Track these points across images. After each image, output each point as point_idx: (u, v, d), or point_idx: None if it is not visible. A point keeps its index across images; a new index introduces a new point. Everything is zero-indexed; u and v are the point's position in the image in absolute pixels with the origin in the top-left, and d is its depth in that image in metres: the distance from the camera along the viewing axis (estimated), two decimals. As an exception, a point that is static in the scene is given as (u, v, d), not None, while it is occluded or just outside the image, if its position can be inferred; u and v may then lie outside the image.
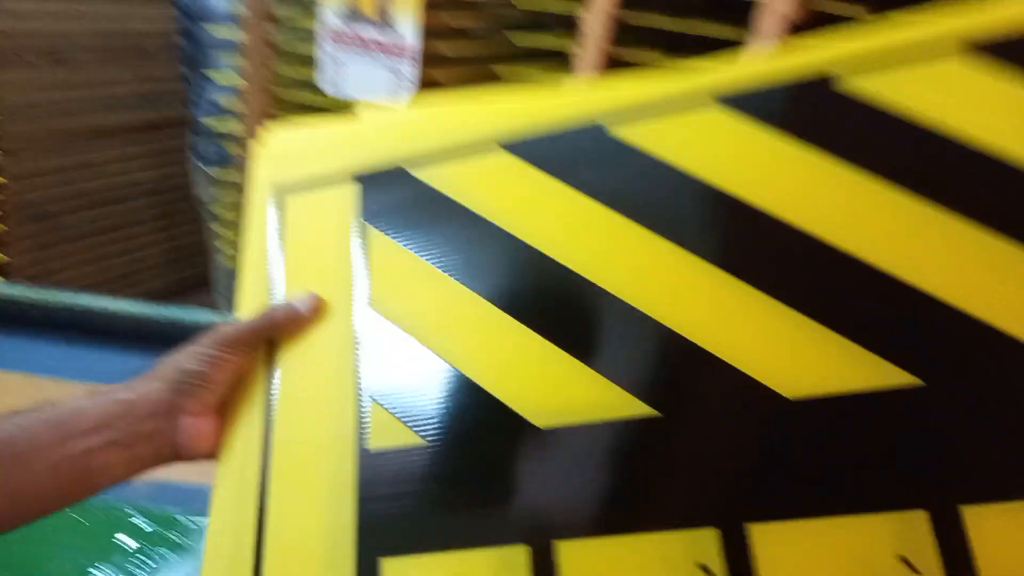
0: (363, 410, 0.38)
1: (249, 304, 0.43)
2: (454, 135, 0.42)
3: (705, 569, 0.30)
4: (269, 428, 0.39)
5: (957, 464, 0.28)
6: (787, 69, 0.35)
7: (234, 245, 1.39)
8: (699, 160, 0.34)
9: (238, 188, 1.29)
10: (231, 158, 1.29)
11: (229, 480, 0.38)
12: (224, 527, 0.37)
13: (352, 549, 0.35)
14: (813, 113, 0.33)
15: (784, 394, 0.31)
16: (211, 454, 0.39)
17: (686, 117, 0.36)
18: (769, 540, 0.29)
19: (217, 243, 1.44)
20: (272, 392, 0.40)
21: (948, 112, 0.31)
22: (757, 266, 0.32)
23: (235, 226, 1.38)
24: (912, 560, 0.28)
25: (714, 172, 0.34)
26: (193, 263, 1.90)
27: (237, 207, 1.32)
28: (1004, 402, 0.27)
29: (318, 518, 0.36)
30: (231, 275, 1.49)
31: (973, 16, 0.32)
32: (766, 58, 0.36)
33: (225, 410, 0.39)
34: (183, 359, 0.39)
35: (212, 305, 1.58)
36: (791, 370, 0.31)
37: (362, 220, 0.43)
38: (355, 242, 0.42)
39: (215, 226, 1.43)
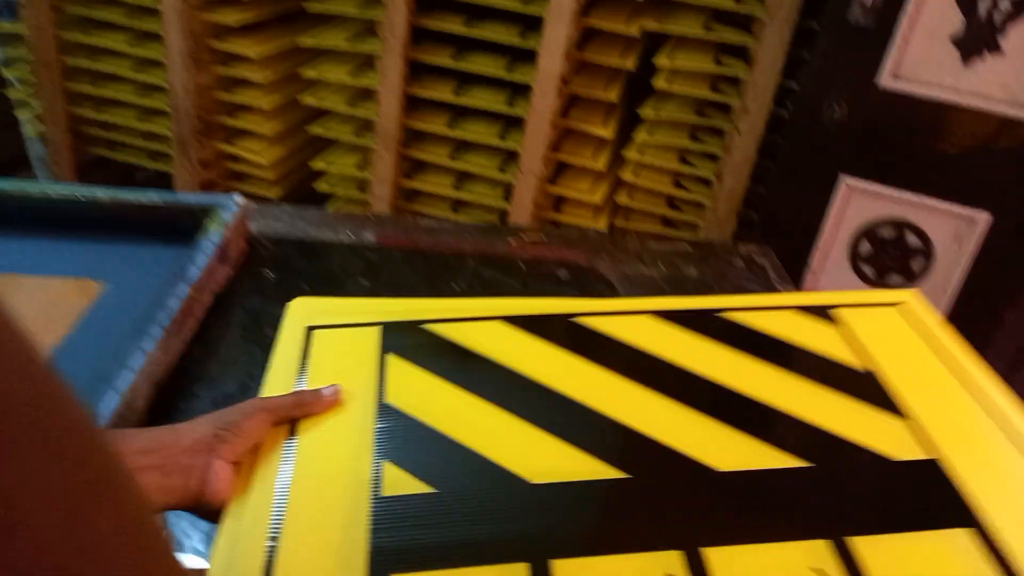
0: (377, 468, 0.46)
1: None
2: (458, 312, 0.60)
3: (671, 577, 0.41)
4: (285, 482, 0.45)
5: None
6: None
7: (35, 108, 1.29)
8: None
9: (28, 43, 1.27)
10: (15, 9, 1.27)
11: (236, 523, 0.42)
12: (230, 555, 0.41)
13: (364, 567, 0.40)
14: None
15: (715, 468, 0.46)
16: (224, 504, 0.42)
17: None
18: (720, 561, 0.41)
19: (23, 113, 1.34)
20: (288, 455, 0.46)
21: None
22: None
23: (34, 85, 1.30)
24: (824, 571, 0.40)
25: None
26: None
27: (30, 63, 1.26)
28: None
29: (330, 547, 0.40)
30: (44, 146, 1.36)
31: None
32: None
33: (241, 468, 0.44)
34: (226, 412, 0.45)
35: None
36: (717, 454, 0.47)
37: (381, 349, 0.55)
38: (373, 361, 0.54)
39: (15, 92, 1.34)
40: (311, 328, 0.56)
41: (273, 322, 0.68)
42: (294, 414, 0.47)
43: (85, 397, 0.24)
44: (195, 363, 0.61)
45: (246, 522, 0.42)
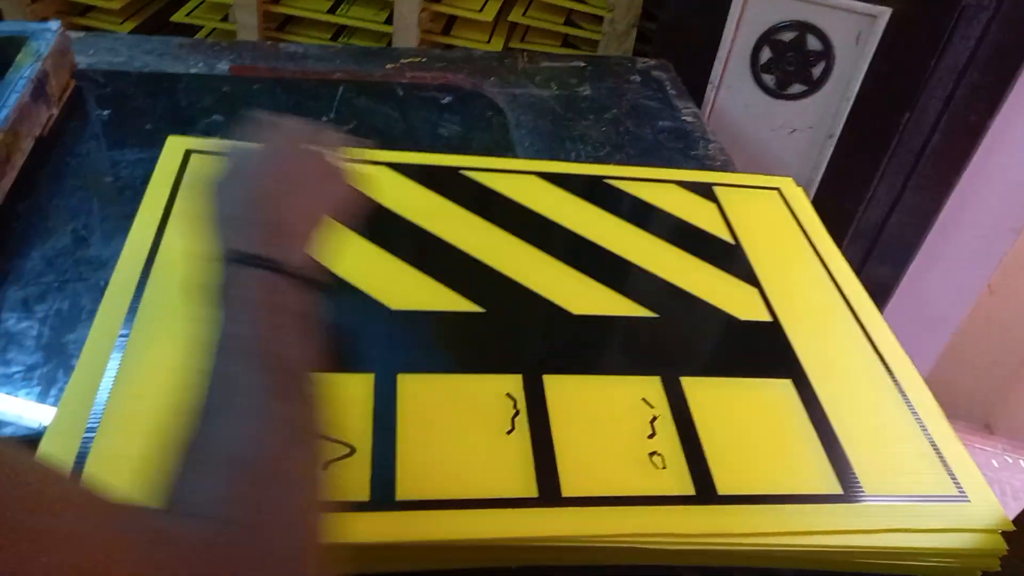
0: None
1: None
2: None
3: (509, 396, 0.40)
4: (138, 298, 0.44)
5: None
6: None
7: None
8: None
9: None
10: None
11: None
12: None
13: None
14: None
15: (570, 310, 0.47)
16: None
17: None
18: (557, 385, 0.42)
19: None
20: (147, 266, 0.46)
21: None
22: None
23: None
24: (649, 400, 0.41)
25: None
26: None
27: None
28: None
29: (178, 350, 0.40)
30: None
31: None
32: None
33: None
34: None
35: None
36: (574, 298, 0.47)
37: None
38: None
39: None
40: (189, 152, 0.54)
41: (111, 168, 0.60)
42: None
43: None
44: (17, 219, 0.54)
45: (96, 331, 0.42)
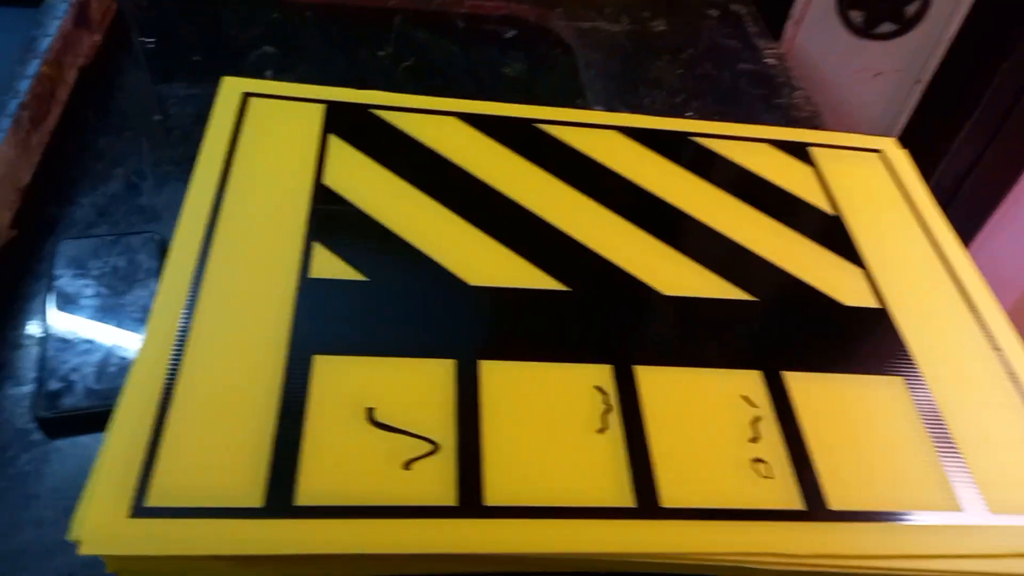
0: (308, 248, 0.41)
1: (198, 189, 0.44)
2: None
3: (600, 389, 0.37)
4: (204, 251, 0.40)
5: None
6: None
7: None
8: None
9: None
10: None
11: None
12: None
13: (285, 347, 0.37)
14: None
15: (660, 291, 0.43)
16: None
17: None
18: (650, 378, 0.38)
19: None
20: (210, 223, 0.42)
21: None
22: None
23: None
24: (750, 398, 0.38)
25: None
26: None
27: None
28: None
29: (250, 324, 0.38)
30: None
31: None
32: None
33: None
34: None
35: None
36: (664, 277, 0.44)
37: (324, 128, 0.48)
38: (314, 139, 0.47)
39: None
40: (247, 95, 0.50)
41: (159, 103, 0.56)
42: None
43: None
44: (65, 161, 0.50)
45: (164, 293, 0.38)
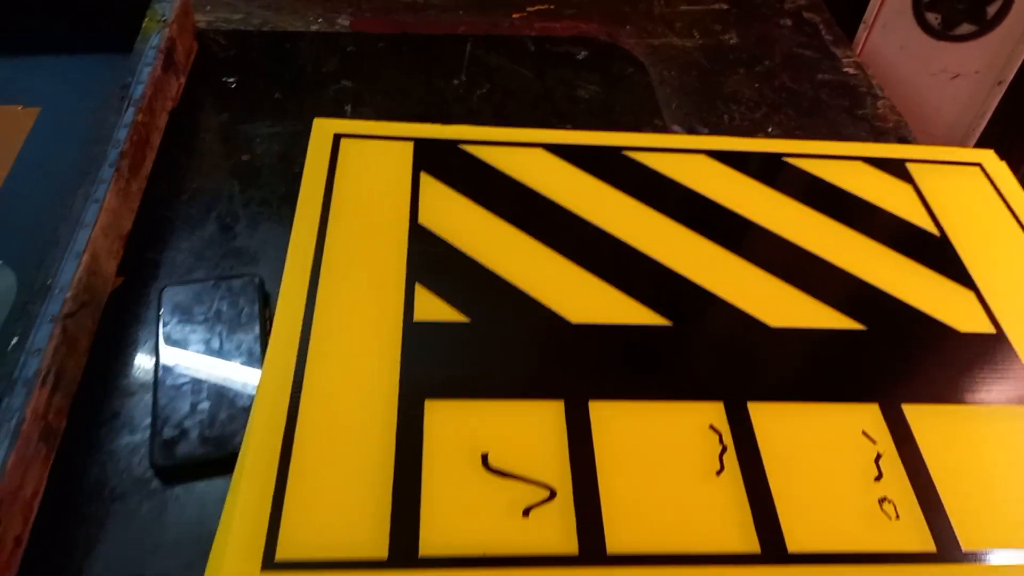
0: (410, 291, 0.42)
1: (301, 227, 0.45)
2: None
3: (714, 428, 0.36)
4: (311, 300, 0.41)
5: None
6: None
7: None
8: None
9: None
10: None
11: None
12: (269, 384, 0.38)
13: (396, 392, 0.37)
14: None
15: (767, 323, 0.42)
16: None
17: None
18: (764, 414, 0.37)
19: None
20: (314, 271, 0.42)
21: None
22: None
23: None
24: (869, 433, 0.37)
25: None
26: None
27: None
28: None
29: (361, 370, 0.38)
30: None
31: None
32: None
33: None
34: None
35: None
36: (770, 309, 0.42)
37: (415, 166, 0.49)
38: (406, 178, 0.48)
39: None
40: (339, 136, 0.50)
41: (246, 142, 0.57)
42: None
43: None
44: (161, 205, 0.52)
45: (275, 343, 0.39)
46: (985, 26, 0.80)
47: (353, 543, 0.33)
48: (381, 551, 0.32)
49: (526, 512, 0.34)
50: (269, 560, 0.31)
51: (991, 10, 0.80)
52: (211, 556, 0.32)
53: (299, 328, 0.39)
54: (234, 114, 0.59)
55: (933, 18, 0.82)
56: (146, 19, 0.57)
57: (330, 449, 0.35)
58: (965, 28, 0.81)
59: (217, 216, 0.51)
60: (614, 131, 0.54)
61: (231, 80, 0.62)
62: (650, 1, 0.77)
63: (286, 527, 0.33)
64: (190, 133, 0.57)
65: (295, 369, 0.38)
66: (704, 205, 0.48)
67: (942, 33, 0.82)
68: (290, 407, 0.36)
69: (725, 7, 0.77)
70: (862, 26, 0.84)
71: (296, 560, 0.32)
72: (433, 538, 0.33)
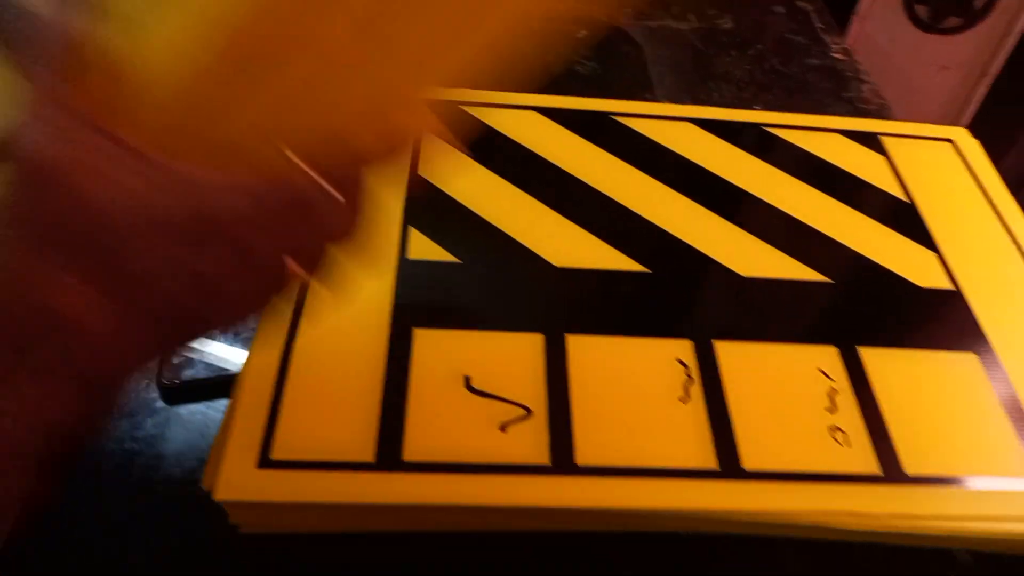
0: (404, 233, 0.45)
1: None
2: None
3: (681, 362, 0.39)
4: None
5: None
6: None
7: None
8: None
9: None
10: None
11: None
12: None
13: (388, 320, 0.40)
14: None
15: (740, 273, 0.45)
16: None
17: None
18: (729, 352, 0.40)
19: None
20: None
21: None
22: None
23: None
24: (826, 371, 0.40)
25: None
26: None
27: None
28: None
29: (357, 302, 0.40)
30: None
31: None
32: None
33: None
34: None
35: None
36: (743, 261, 0.46)
37: None
38: None
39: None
40: None
41: None
42: None
43: None
44: None
45: None
46: (972, 19, 0.83)
47: (343, 447, 0.35)
48: (368, 455, 0.35)
49: (503, 427, 0.37)
50: (265, 458, 0.34)
51: (978, 3, 0.83)
52: (210, 455, 0.35)
53: None
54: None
55: (922, 11, 0.85)
56: None
57: (325, 366, 0.38)
58: (953, 21, 0.84)
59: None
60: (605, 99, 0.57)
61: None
62: (653, -17, 0.80)
63: (282, 432, 0.35)
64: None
65: (295, 298, 0.41)
66: (685, 167, 0.51)
67: (931, 26, 0.85)
68: (289, 330, 0.39)
69: (724, -8, 0.80)
70: (855, 17, 0.87)
71: (290, 460, 0.35)
72: (416, 445, 0.36)
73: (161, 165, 0.18)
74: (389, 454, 0.35)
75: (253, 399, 0.37)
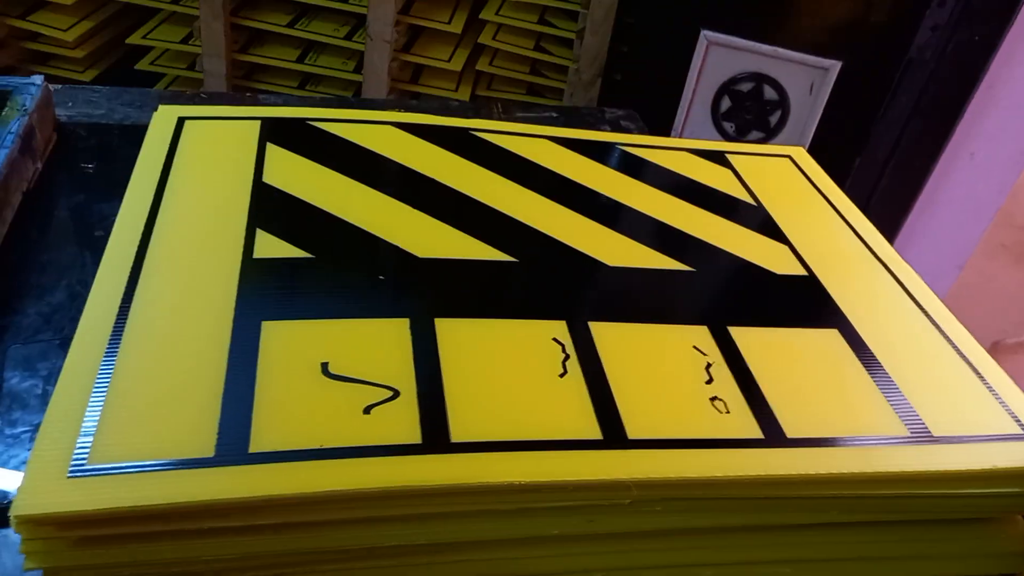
0: (250, 235, 0.41)
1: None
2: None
3: (557, 340, 0.38)
4: (145, 247, 0.40)
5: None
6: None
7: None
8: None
9: None
10: None
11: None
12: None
13: (231, 315, 0.36)
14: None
15: (605, 262, 0.46)
16: None
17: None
18: (604, 332, 0.39)
19: None
20: (147, 226, 0.41)
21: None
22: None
23: None
24: (700, 348, 0.40)
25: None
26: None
27: None
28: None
29: (194, 299, 0.37)
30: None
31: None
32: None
33: None
34: None
35: None
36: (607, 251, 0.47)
37: (261, 139, 0.49)
38: (251, 149, 0.48)
39: None
40: (183, 119, 0.50)
41: (100, 220, 0.57)
42: None
43: None
44: (10, 273, 0.49)
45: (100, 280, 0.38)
46: (770, 132, 0.95)
47: (177, 445, 0.30)
48: (208, 449, 0.30)
49: (367, 410, 0.33)
50: (78, 466, 0.28)
51: (772, 120, 0.95)
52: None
53: (128, 271, 0.38)
54: (90, 195, 0.58)
55: (729, 126, 0.97)
56: (6, 107, 0.57)
57: (156, 363, 0.33)
58: (755, 134, 0.96)
59: (67, 284, 0.49)
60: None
61: (89, 166, 0.61)
62: (489, 108, 0.85)
63: (102, 434, 0.30)
64: (44, 212, 0.55)
65: (123, 296, 0.36)
66: (544, 173, 0.52)
67: (737, 138, 0.97)
68: (112, 334, 0.34)
69: (555, 115, 0.86)
70: (672, 134, 0.97)
71: (111, 465, 0.29)
72: (265, 436, 0.31)
73: None
74: (232, 447, 0.30)
75: (65, 402, 0.31)
